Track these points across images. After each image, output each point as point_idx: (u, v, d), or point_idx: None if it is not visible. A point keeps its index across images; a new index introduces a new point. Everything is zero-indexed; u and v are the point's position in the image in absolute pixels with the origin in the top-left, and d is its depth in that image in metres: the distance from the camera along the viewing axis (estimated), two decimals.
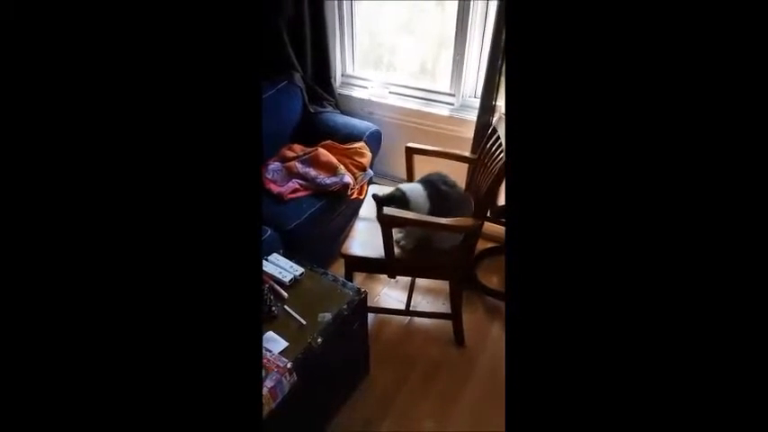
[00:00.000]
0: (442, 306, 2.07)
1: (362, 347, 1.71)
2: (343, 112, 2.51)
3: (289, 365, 1.22)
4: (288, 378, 1.21)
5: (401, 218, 1.57)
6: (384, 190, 2.11)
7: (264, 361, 1.22)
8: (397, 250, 1.69)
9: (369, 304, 1.64)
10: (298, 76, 2.39)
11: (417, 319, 2.01)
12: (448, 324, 1.91)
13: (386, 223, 1.57)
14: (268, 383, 1.17)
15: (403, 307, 2.03)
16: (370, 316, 1.95)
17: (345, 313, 1.49)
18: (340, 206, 2.13)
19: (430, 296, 2.12)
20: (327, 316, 1.45)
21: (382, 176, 2.56)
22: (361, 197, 2.16)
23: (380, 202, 1.64)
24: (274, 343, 1.35)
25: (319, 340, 1.38)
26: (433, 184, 1.70)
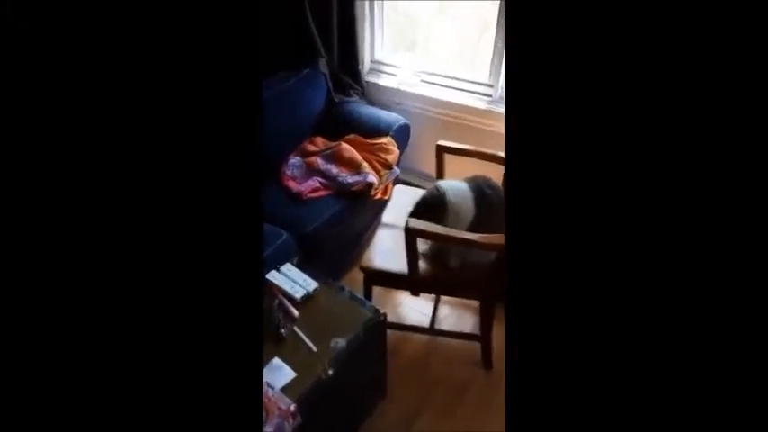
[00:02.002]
0: (470, 322, 1.89)
1: (379, 371, 1.55)
2: (369, 103, 2.32)
3: (292, 408, 1.08)
4: (291, 422, 1.08)
5: (429, 233, 1.39)
6: (410, 191, 1.94)
7: (265, 400, 1.08)
8: (422, 264, 1.51)
9: (389, 316, 1.47)
10: (323, 62, 2.21)
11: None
12: (475, 342, 1.74)
13: (411, 235, 1.40)
14: (268, 429, 1.03)
15: (427, 320, 1.87)
16: (390, 331, 1.80)
17: (361, 338, 1.34)
18: (362, 207, 1.96)
19: (457, 310, 1.95)
20: (341, 342, 1.30)
21: (409, 172, 2.36)
22: (386, 197, 1.98)
23: (415, 214, 1.45)
24: (280, 372, 1.21)
25: (330, 372, 1.23)
26: (481, 189, 1.48)
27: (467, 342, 1.78)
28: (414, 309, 1.95)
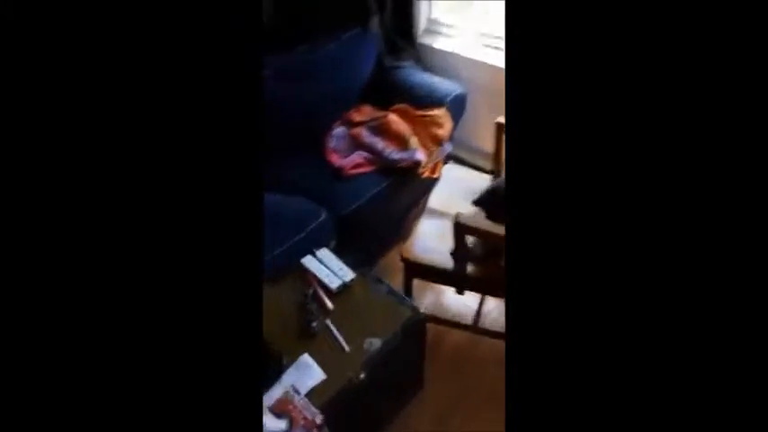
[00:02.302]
0: None
1: (416, 367, 1.45)
2: (424, 68, 2.11)
3: (318, 420, 1.00)
4: None
5: (483, 231, 1.24)
6: (462, 171, 1.76)
7: (290, 407, 1.00)
8: (470, 260, 1.36)
9: (430, 305, 1.36)
10: (375, 21, 2.01)
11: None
12: None
13: (460, 231, 1.25)
14: None
15: (471, 312, 1.73)
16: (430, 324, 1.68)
17: (398, 339, 1.23)
18: (407, 187, 1.81)
19: (504, 305, 1.80)
20: (376, 343, 1.20)
21: (462, 147, 2.15)
22: (434, 176, 1.82)
23: (480, 203, 1.30)
24: (308, 372, 1.13)
25: (362, 376, 1.14)
26: None
27: None
28: (458, 300, 1.81)
